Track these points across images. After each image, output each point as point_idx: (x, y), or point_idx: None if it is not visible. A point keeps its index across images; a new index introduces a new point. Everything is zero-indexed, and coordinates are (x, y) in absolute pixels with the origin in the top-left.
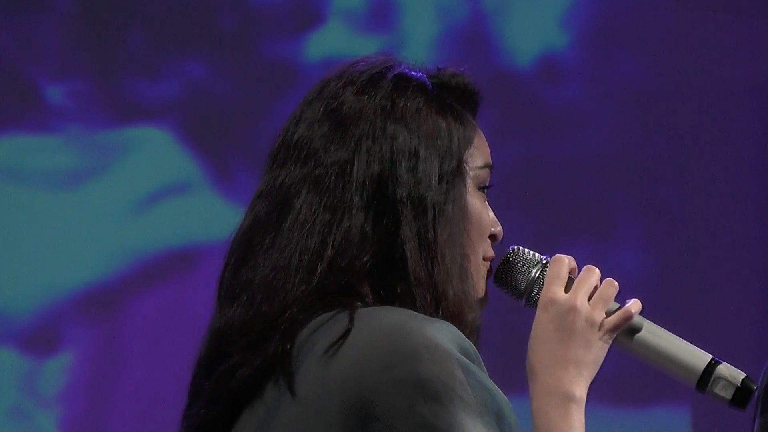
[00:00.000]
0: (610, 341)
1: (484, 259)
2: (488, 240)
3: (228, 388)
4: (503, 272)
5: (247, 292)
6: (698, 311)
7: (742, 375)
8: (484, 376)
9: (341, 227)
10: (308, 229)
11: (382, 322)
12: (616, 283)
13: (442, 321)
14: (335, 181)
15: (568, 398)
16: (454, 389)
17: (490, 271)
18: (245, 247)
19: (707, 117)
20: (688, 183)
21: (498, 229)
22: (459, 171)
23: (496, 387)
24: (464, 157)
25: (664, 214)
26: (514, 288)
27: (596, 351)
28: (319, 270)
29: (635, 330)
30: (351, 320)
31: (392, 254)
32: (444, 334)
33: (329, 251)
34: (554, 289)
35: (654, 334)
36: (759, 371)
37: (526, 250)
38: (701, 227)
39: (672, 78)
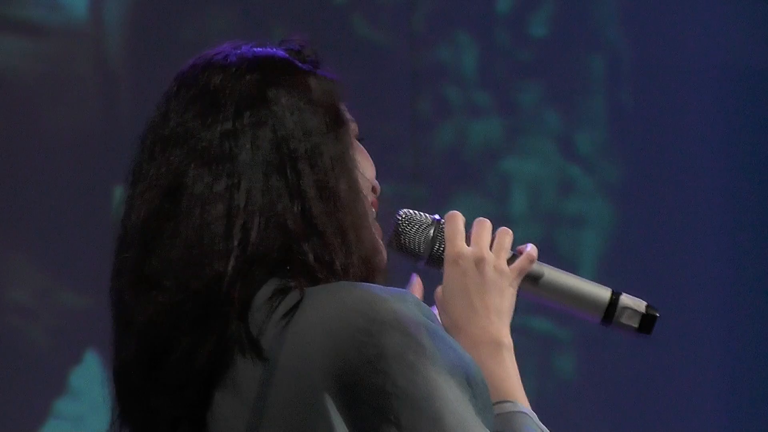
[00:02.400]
0: (517, 286)
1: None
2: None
3: (194, 371)
4: (399, 236)
5: (166, 277)
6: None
7: (644, 303)
8: (449, 338)
9: (241, 191)
10: (208, 201)
11: (346, 298)
12: (510, 230)
13: (401, 290)
14: (221, 150)
15: (499, 345)
16: (426, 356)
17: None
18: (144, 238)
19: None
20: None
21: (375, 181)
22: (342, 121)
23: (460, 346)
24: (341, 110)
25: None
26: (412, 250)
27: (509, 297)
28: (236, 237)
29: (537, 273)
30: (306, 301)
31: (299, 209)
32: (406, 304)
33: (238, 218)
34: (459, 244)
35: (555, 276)
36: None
37: (416, 211)
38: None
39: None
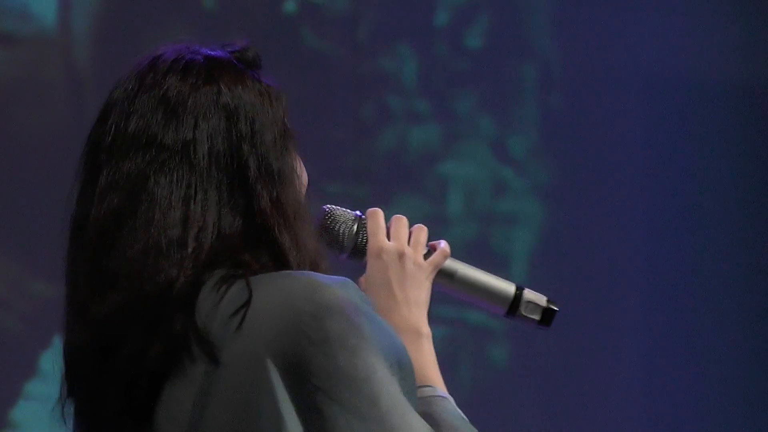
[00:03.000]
0: (432, 279)
1: None
2: None
3: (144, 368)
4: (325, 230)
5: (121, 278)
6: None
7: (545, 297)
8: (384, 323)
9: (198, 200)
10: (167, 208)
11: (292, 286)
12: (425, 227)
13: (342, 278)
14: (181, 160)
15: (419, 334)
16: (366, 341)
17: None
18: (104, 236)
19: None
20: None
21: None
22: (288, 134)
23: (393, 330)
24: (287, 122)
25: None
26: (337, 243)
27: (426, 290)
28: (191, 244)
29: (450, 269)
30: (252, 288)
31: (251, 220)
32: (347, 291)
33: (193, 226)
34: (381, 239)
35: (465, 271)
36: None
37: (339, 208)
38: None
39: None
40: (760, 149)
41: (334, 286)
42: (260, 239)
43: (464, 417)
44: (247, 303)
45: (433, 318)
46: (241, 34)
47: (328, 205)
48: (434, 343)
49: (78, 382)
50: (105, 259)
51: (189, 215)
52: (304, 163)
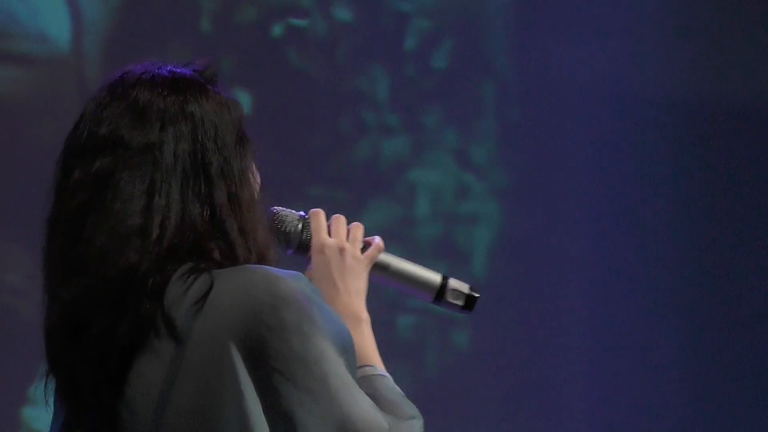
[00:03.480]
0: (368, 271)
1: None
2: None
3: (113, 346)
4: (274, 230)
5: (88, 264)
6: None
7: (468, 285)
8: (331, 312)
9: (162, 194)
10: (129, 200)
11: (252, 279)
12: (361, 225)
13: (294, 272)
14: (146, 159)
15: (359, 320)
16: (317, 327)
17: None
18: (73, 228)
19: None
20: None
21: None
22: (245, 139)
23: (338, 317)
24: (243, 127)
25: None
26: (284, 240)
27: (364, 280)
28: (154, 232)
29: (384, 261)
30: (215, 280)
31: (211, 212)
32: (300, 283)
33: (157, 216)
34: (323, 236)
35: (397, 263)
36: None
37: (286, 209)
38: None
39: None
40: (696, 158)
41: (289, 279)
42: (217, 228)
43: (402, 393)
44: (209, 290)
45: (403, 308)
46: (233, 55)
47: (276, 207)
48: (405, 330)
49: (56, 360)
50: (74, 248)
51: (152, 206)
52: (290, 170)
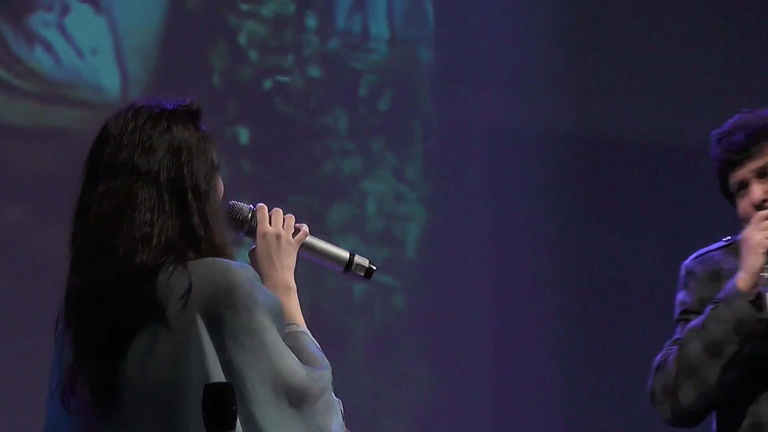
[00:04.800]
0: (297, 250)
1: None
2: None
3: (123, 318)
4: (230, 218)
5: (112, 255)
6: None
7: (368, 260)
8: (267, 291)
9: (163, 208)
10: (141, 214)
11: (213, 269)
12: (293, 216)
13: (243, 263)
14: (151, 183)
15: (289, 288)
16: (258, 305)
17: None
18: (102, 226)
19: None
20: None
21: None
22: (215, 166)
23: (272, 294)
24: (214, 157)
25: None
26: (239, 226)
27: (293, 258)
28: (155, 240)
29: (309, 243)
30: (189, 270)
31: (187, 225)
32: (247, 272)
33: (156, 227)
34: (265, 225)
35: (318, 243)
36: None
37: (240, 203)
38: None
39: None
40: (575, 184)
41: (239, 269)
42: (191, 235)
43: (317, 345)
44: (189, 289)
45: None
46: (235, 101)
47: (233, 201)
48: (359, 295)
49: (78, 315)
50: (103, 241)
51: (155, 220)
52: (276, 182)
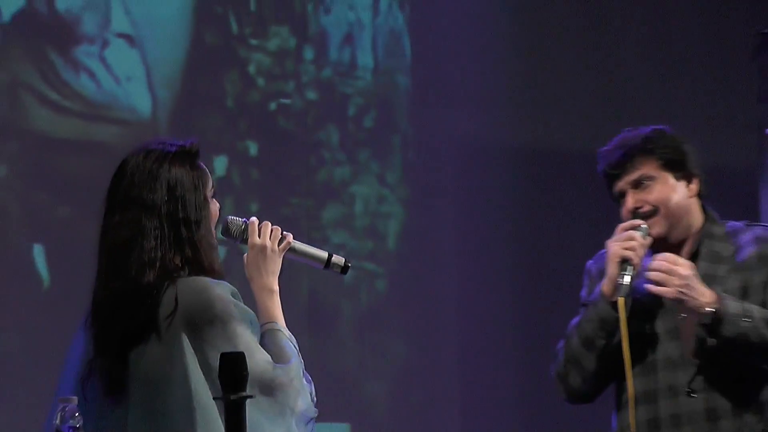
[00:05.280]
0: (282, 257)
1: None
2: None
3: (132, 327)
4: (225, 231)
5: (126, 273)
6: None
7: (344, 259)
8: (242, 304)
9: (163, 239)
10: (149, 241)
11: (194, 287)
12: (279, 227)
13: (220, 281)
14: (156, 215)
15: (272, 291)
16: (233, 317)
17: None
18: (118, 248)
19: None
20: None
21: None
22: (206, 198)
23: (249, 309)
24: (206, 192)
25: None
26: (233, 237)
27: (277, 264)
28: (158, 263)
29: (293, 247)
30: (177, 287)
31: (182, 250)
32: (224, 289)
33: (159, 252)
34: (254, 237)
35: (301, 247)
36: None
37: (235, 217)
38: None
39: None
40: (529, 188)
41: (217, 287)
42: (184, 259)
43: (292, 339)
44: (174, 309)
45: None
46: (246, 120)
47: (229, 216)
48: (348, 279)
49: (96, 322)
50: (119, 263)
51: (158, 247)
52: (279, 188)
